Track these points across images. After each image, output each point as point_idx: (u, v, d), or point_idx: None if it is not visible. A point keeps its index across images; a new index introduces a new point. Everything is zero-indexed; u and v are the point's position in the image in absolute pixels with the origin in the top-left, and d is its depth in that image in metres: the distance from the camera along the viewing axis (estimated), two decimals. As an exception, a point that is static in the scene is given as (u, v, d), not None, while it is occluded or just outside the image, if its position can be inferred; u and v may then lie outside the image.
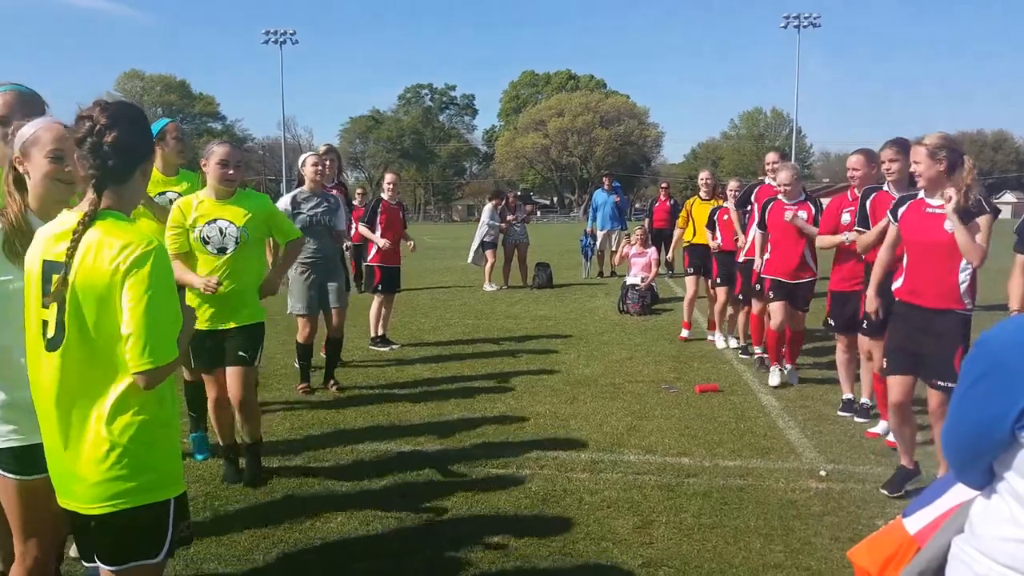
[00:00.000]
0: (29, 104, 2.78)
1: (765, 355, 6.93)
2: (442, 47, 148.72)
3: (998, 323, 1.38)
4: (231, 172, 4.18)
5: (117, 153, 2.03)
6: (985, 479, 1.46)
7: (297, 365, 6.55)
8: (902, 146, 4.78)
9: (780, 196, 6.48)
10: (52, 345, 2.01)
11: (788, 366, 6.62)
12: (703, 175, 8.95)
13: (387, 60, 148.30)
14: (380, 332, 8.26)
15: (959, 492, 1.64)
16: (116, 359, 1.99)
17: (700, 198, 8.72)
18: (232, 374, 4.19)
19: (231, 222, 4.17)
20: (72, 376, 2.01)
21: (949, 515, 1.63)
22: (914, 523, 1.72)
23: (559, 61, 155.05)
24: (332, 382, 6.43)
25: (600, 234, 15.38)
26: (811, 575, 3.29)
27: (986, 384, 1.36)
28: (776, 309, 6.42)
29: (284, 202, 6.09)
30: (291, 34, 55.63)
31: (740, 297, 7.54)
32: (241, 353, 4.17)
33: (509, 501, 4.07)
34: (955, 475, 1.58)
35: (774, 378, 6.50)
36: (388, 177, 8.55)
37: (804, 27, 53.56)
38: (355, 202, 12.95)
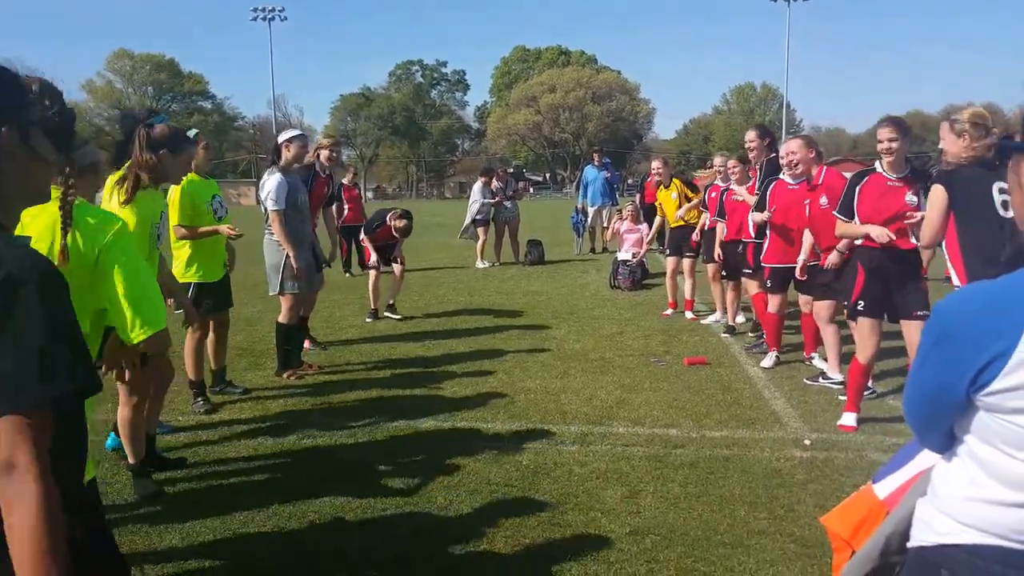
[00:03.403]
0: None
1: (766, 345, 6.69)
2: (433, 22, 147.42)
3: (951, 292, 1.44)
4: None
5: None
6: (946, 443, 1.51)
7: (283, 348, 6.32)
8: (900, 126, 4.60)
9: (782, 176, 5.99)
10: None
11: (813, 355, 6.33)
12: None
13: (377, 36, 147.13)
14: (374, 306, 8.55)
15: (926, 458, 1.69)
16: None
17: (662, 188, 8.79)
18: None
19: None
20: None
21: (916, 479, 1.69)
22: (883, 488, 1.78)
23: (550, 36, 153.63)
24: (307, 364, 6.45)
25: (591, 210, 15.36)
26: (794, 541, 3.36)
27: (939, 351, 1.41)
28: (774, 299, 6.20)
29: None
30: (280, 11, 55.11)
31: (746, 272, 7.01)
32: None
33: (500, 473, 4.14)
34: (917, 439, 1.64)
35: (767, 360, 6.37)
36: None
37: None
38: (345, 182, 12.95)
